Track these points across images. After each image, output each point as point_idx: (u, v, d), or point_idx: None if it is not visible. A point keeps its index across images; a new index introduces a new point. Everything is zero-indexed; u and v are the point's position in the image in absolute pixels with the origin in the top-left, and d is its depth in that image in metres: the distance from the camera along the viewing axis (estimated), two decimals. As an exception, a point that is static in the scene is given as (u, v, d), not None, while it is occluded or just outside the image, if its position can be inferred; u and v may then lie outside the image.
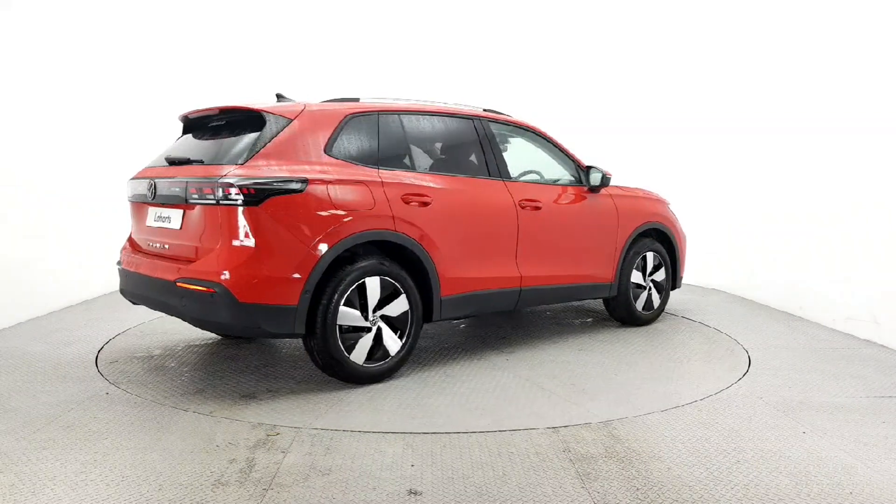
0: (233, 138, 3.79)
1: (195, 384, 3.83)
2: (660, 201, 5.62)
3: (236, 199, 3.42)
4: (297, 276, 3.48)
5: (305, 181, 3.55)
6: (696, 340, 4.98)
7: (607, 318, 5.61)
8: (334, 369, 3.71)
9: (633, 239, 5.22)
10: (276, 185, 3.47)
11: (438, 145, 4.51)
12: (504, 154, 4.67)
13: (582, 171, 4.99)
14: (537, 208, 4.54)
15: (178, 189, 3.66)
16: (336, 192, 3.64)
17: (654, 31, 7.70)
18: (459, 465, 2.77)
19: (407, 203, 3.89)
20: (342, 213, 3.63)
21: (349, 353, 3.68)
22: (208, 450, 2.89)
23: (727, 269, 7.08)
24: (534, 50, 8.23)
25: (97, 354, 4.44)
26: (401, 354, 3.90)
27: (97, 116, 6.57)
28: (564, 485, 2.60)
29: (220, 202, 3.45)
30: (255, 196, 3.42)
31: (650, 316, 5.44)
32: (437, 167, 4.35)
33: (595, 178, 4.92)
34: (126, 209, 4.41)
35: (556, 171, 4.97)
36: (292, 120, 3.74)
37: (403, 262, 3.94)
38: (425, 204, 3.97)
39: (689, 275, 6.14)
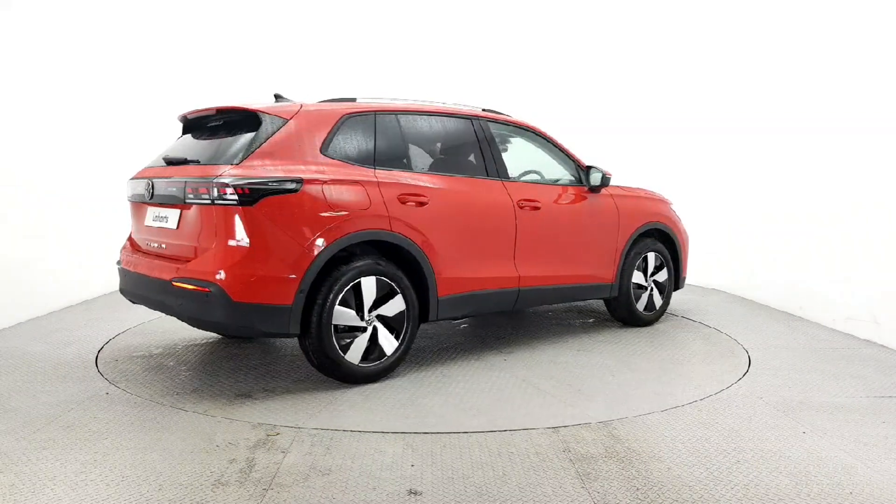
0: (229, 138, 3.81)
1: (193, 383, 3.83)
2: (662, 201, 5.60)
3: (231, 199, 3.43)
4: (291, 275, 3.49)
5: (301, 181, 3.56)
6: (696, 340, 4.98)
7: (608, 318, 5.61)
8: (330, 369, 3.71)
9: (635, 239, 5.21)
10: (271, 185, 3.48)
11: (436, 145, 4.51)
12: (504, 154, 4.67)
13: (582, 171, 4.98)
14: (536, 208, 4.54)
15: (174, 189, 3.68)
16: (331, 192, 3.65)
17: (655, 31, 7.70)
18: (459, 465, 2.77)
19: (403, 203, 3.89)
20: (337, 213, 3.64)
21: (344, 353, 3.69)
22: (208, 450, 2.89)
23: (727, 269, 7.08)
24: (534, 50, 8.23)
25: (97, 354, 4.44)
26: (397, 354, 3.90)
27: (97, 116, 6.57)
28: (564, 485, 2.59)
29: (216, 202, 3.46)
30: (250, 196, 3.43)
31: (652, 317, 5.42)
32: (434, 167, 4.35)
33: (595, 178, 4.91)
34: (126, 209, 4.42)
35: (557, 171, 4.96)
36: (288, 120, 3.75)
37: (400, 262, 3.94)
38: (422, 204, 3.97)
39: (689, 275, 6.14)
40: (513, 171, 4.72)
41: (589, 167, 4.96)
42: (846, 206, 5.20)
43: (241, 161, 3.54)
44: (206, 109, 4.06)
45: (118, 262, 4.32)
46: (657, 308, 5.45)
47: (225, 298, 3.39)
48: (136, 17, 7.27)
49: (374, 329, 3.80)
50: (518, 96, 7.84)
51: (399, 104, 4.25)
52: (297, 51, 8.13)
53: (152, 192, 3.88)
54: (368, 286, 3.74)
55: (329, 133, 3.82)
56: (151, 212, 3.99)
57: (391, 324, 3.87)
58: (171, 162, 3.91)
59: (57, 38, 5.98)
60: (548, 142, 4.93)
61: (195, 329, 4.95)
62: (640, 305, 5.32)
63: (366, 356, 3.79)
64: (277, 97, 4.23)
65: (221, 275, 3.40)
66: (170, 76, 7.56)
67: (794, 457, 2.86)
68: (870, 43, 4.96)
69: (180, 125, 4.39)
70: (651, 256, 5.36)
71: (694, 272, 6.99)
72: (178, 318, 3.76)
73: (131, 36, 7.17)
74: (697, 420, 3.30)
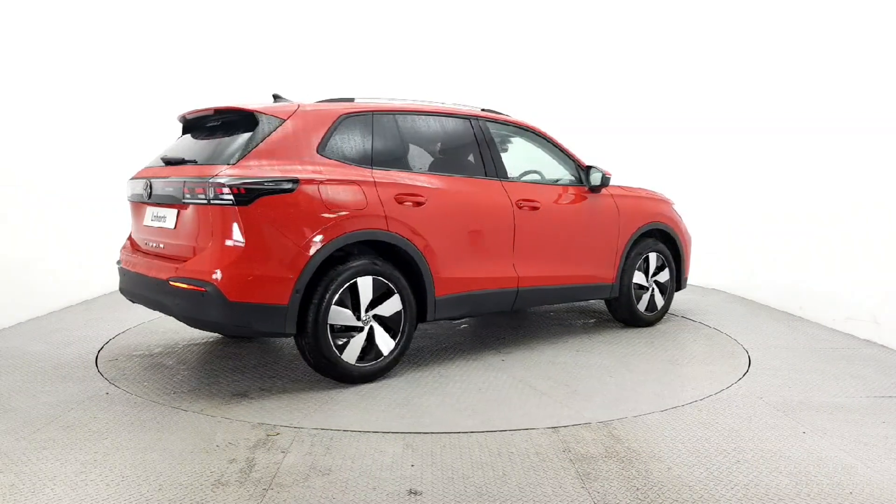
0: (227, 138, 3.81)
1: (193, 383, 3.83)
2: (663, 201, 5.58)
3: (227, 199, 3.44)
4: (287, 275, 3.50)
5: (296, 181, 3.57)
6: (697, 341, 4.98)
7: (609, 319, 5.60)
8: (326, 369, 3.72)
9: (636, 239, 5.20)
10: (266, 185, 3.49)
11: (434, 145, 4.50)
12: (504, 154, 4.67)
13: (582, 171, 4.97)
14: (535, 208, 4.53)
15: (172, 189, 3.70)
16: (327, 192, 3.65)
17: (655, 31, 7.70)
18: (459, 465, 2.77)
19: (400, 203, 3.89)
20: (333, 213, 3.64)
21: (341, 353, 3.69)
22: (208, 450, 2.89)
23: (727, 269, 7.08)
24: (534, 50, 8.23)
25: (97, 354, 4.44)
26: (394, 354, 3.90)
27: (97, 116, 6.57)
28: (564, 485, 2.59)
29: (212, 202, 3.47)
30: (246, 196, 3.44)
31: (653, 317, 5.40)
32: (432, 167, 4.36)
33: (595, 178, 4.90)
34: (126, 209, 4.42)
35: (557, 171, 4.96)
36: (285, 120, 3.75)
37: (397, 262, 3.94)
38: (419, 204, 3.97)
39: (689, 275, 6.13)
40: (513, 171, 4.72)
41: (589, 167, 4.96)
42: (846, 206, 5.20)
43: (238, 161, 3.55)
44: (205, 110, 4.07)
45: (118, 262, 4.33)
46: (659, 309, 5.43)
47: (221, 298, 3.40)
48: (136, 17, 7.26)
49: (371, 329, 3.81)
50: (518, 96, 7.84)
51: (397, 104, 4.25)
52: (297, 51, 8.14)
53: (150, 192, 3.89)
54: (365, 286, 3.74)
55: (326, 133, 3.83)
56: (150, 212, 4.00)
57: (388, 324, 3.87)
58: (168, 162, 3.92)
59: (57, 38, 5.98)
60: (548, 142, 4.93)
61: (195, 329, 4.95)
62: (642, 306, 5.31)
63: (362, 356, 3.79)
64: (276, 97, 4.23)
65: (217, 274, 3.41)
66: (170, 76, 7.56)
67: (794, 457, 2.86)
68: (870, 43, 4.96)
69: (180, 125, 4.39)
70: (652, 257, 5.34)
71: (694, 272, 6.98)
72: (176, 318, 3.76)
73: (131, 36, 7.17)
74: (697, 420, 3.30)
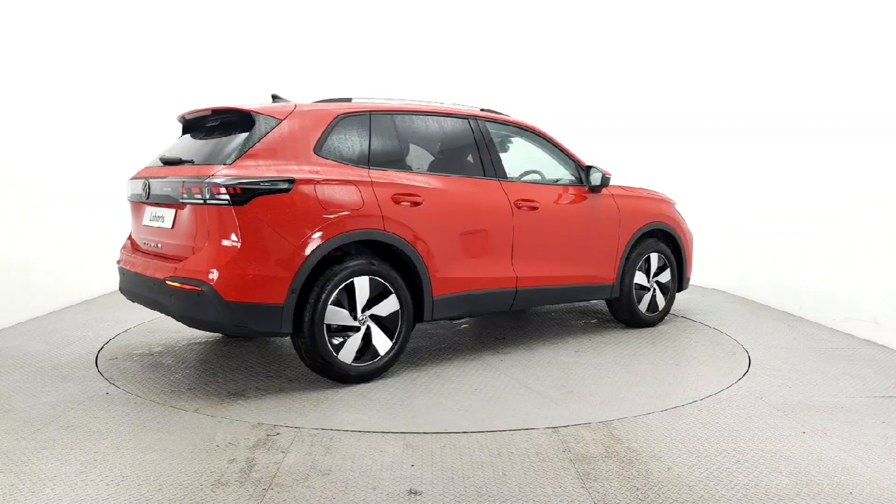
0: (224, 139, 3.83)
1: (193, 383, 3.83)
2: (665, 201, 5.56)
3: (223, 199, 3.45)
4: (283, 275, 3.50)
5: (292, 181, 3.57)
6: (696, 340, 4.97)
7: (611, 319, 5.58)
8: (323, 369, 3.72)
9: (637, 240, 5.18)
10: (262, 185, 3.50)
11: (432, 145, 4.50)
12: (504, 154, 4.66)
13: (583, 171, 4.97)
14: (534, 208, 4.53)
15: (169, 189, 3.71)
16: (324, 192, 3.66)
17: (655, 31, 7.70)
18: (459, 465, 2.77)
19: (397, 203, 3.89)
20: (329, 213, 3.65)
21: (337, 353, 3.69)
22: (208, 450, 2.89)
23: (727, 269, 7.08)
24: (534, 50, 8.23)
25: (97, 354, 4.44)
26: (391, 354, 3.90)
27: (97, 116, 6.57)
28: (564, 485, 2.59)
29: (208, 202, 3.48)
30: (242, 196, 3.45)
31: (654, 318, 5.38)
32: (430, 167, 4.36)
33: (595, 178, 4.89)
34: (126, 209, 4.43)
35: (557, 171, 4.95)
36: (282, 120, 3.76)
37: (394, 261, 3.94)
38: (416, 204, 3.97)
39: (691, 275, 6.13)
40: (514, 171, 4.71)
41: (589, 167, 4.95)
42: (846, 206, 5.20)
43: (234, 161, 3.56)
44: (203, 110, 4.08)
45: (118, 262, 4.34)
46: (660, 309, 5.41)
47: (217, 298, 3.41)
48: (137, 17, 7.26)
49: (368, 329, 3.81)
50: (518, 96, 7.84)
51: (395, 104, 4.25)
52: (297, 51, 8.13)
53: (149, 192, 3.91)
54: (361, 286, 3.75)
55: (323, 133, 3.83)
56: (149, 211, 4.01)
57: (385, 324, 3.87)
58: (167, 162, 3.94)
59: (57, 38, 5.98)
60: (548, 142, 4.92)
61: (194, 329, 4.95)
62: (643, 306, 5.29)
63: (359, 356, 3.79)
64: (275, 97, 4.24)
65: (213, 274, 3.42)
66: (170, 76, 7.56)
67: (794, 457, 2.86)
68: (870, 43, 4.96)
69: (180, 126, 4.40)
70: (654, 257, 5.32)
71: (694, 272, 6.98)
72: (174, 318, 3.77)
73: (131, 36, 7.17)
74: (697, 420, 3.30)
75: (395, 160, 4.10)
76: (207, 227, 3.52)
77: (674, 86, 7.58)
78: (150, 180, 3.91)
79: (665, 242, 5.46)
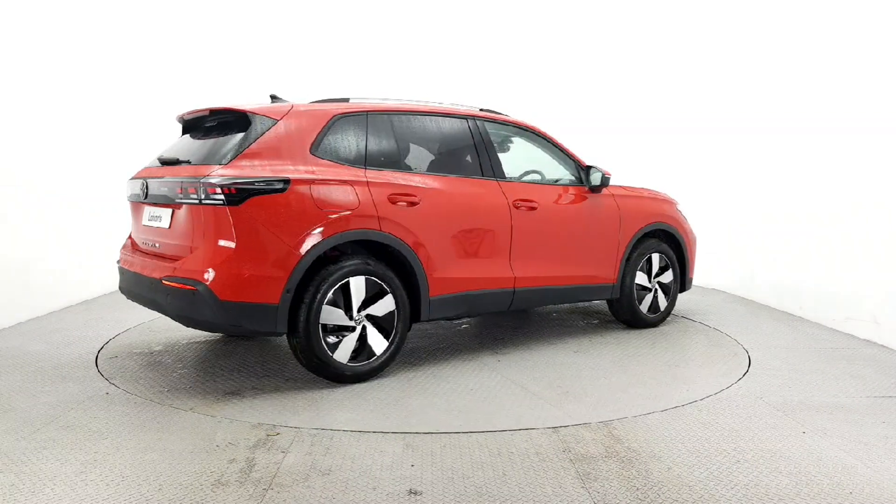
0: (221, 139, 3.84)
1: (193, 383, 3.83)
2: (667, 201, 5.54)
3: (218, 199, 3.46)
4: (277, 275, 3.51)
5: (288, 181, 3.58)
6: (697, 341, 4.97)
7: (613, 320, 5.56)
8: (318, 368, 3.72)
9: (638, 240, 5.17)
10: (257, 185, 3.50)
11: (430, 145, 4.50)
12: (504, 154, 4.66)
13: (583, 171, 4.96)
14: (533, 208, 4.52)
15: (166, 189, 3.73)
16: (319, 192, 3.66)
17: (655, 30, 7.70)
18: (459, 465, 2.77)
19: (393, 203, 3.90)
20: (325, 213, 3.65)
21: (333, 353, 3.69)
22: (208, 450, 2.89)
23: (727, 269, 7.08)
24: (533, 50, 8.23)
25: (97, 354, 4.44)
26: (387, 354, 3.90)
27: (97, 116, 6.57)
28: (564, 485, 2.59)
29: (203, 202, 3.50)
30: (237, 196, 3.46)
31: (656, 318, 5.35)
32: (428, 167, 4.35)
33: (595, 178, 4.87)
34: (126, 209, 4.44)
35: (558, 171, 4.95)
36: (278, 120, 3.77)
37: (391, 261, 3.94)
38: (413, 204, 3.97)
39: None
40: (514, 171, 4.71)
41: (589, 167, 4.94)
42: (846, 206, 5.19)
43: (230, 161, 3.58)
44: (201, 110, 4.10)
45: (118, 261, 4.35)
46: (662, 310, 5.38)
47: (212, 297, 3.42)
48: (137, 17, 7.26)
49: (364, 329, 3.81)
50: (518, 96, 7.84)
51: (392, 104, 4.25)
52: (297, 52, 8.13)
53: (147, 192, 3.93)
54: (357, 286, 3.75)
55: (319, 133, 3.84)
56: (147, 211, 4.03)
57: (381, 324, 3.87)
58: (164, 162, 3.96)
59: (57, 38, 5.98)
60: (548, 142, 4.92)
61: (191, 328, 4.95)
62: (644, 307, 5.26)
63: (355, 356, 3.79)
64: (274, 98, 4.25)
65: (209, 273, 3.43)
66: (171, 77, 7.56)
67: (794, 457, 2.86)
68: (870, 43, 4.96)
69: (180, 126, 4.41)
70: (655, 257, 5.30)
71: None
72: (170, 317, 3.78)
73: (132, 36, 7.17)
74: (697, 420, 3.30)
75: (392, 160, 4.10)
76: (203, 227, 3.53)
77: (674, 86, 7.58)
78: (148, 180, 3.93)
79: (667, 243, 5.44)
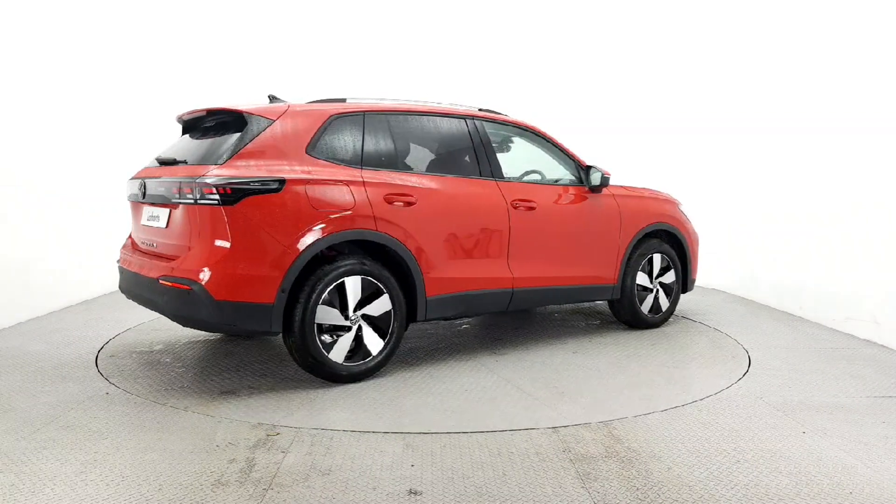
0: (218, 139, 3.85)
1: (193, 383, 3.83)
2: (668, 201, 5.51)
3: (213, 199, 3.47)
4: (272, 274, 3.52)
5: (283, 181, 3.59)
6: (697, 341, 4.97)
7: (615, 320, 5.54)
8: (313, 368, 3.73)
9: (638, 240, 5.14)
10: (253, 185, 3.51)
11: (427, 145, 4.50)
12: (504, 154, 4.66)
13: (583, 171, 4.95)
14: (531, 209, 4.51)
15: (163, 189, 3.75)
16: (314, 192, 3.67)
17: (655, 30, 7.70)
18: (459, 465, 2.77)
19: (390, 203, 3.90)
20: (320, 213, 3.66)
21: (328, 352, 3.70)
22: (208, 450, 2.89)
23: (727, 269, 7.08)
24: (533, 50, 8.23)
25: (97, 354, 4.44)
26: (383, 354, 3.90)
27: (97, 116, 6.57)
28: (564, 485, 2.59)
29: (199, 202, 3.51)
30: (232, 196, 3.47)
31: (657, 319, 5.32)
32: (426, 167, 4.35)
33: (595, 178, 4.86)
34: (126, 209, 4.45)
35: (558, 171, 4.94)
36: (274, 121, 3.77)
37: (387, 261, 3.94)
38: (409, 204, 3.97)
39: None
40: (514, 171, 4.70)
41: (589, 167, 4.93)
42: (846, 206, 5.19)
43: (226, 161, 3.59)
44: (198, 110, 4.11)
45: (118, 261, 4.36)
46: (663, 311, 5.35)
47: (207, 296, 3.43)
48: (137, 17, 7.26)
49: (359, 328, 3.81)
50: (518, 96, 7.84)
51: (389, 104, 4.25)
52: (296, 52, 8.13)
53: (145, 192, 3.95)
54: (353, 286, 3.75)
55: (315, 133, 3.84)
56: (146, 211, 4.04)
57: (377, 324, 3.87)
58: (162, 162, 3.98)
59: (57, 38, 5.98)
60: (548, 142, 4.91)
61: (188, 328, 4.95)
62: (645, 307, 5.23)
63: (350, 356, 3.79)
64: (272, 98, 4.25)
65: (204, 273, 3.45)
66: (171, 77, 7.56)
67: (794, 457, 2.86)
68: (870, 43, 4.96)
69: (179, 126, 4.42)
70: (657, 258, 5.27)
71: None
72: (167, 317, 3.79)
73: (132, 36, 7.17)
74: (697, 420, 3.30)
75: (389, 160, 4.10)
76: (199, 227, 3.55)
77: (674, 86, 7.58)
78: (146, 180, 3.95)
79: (669, 243, 5.41)
